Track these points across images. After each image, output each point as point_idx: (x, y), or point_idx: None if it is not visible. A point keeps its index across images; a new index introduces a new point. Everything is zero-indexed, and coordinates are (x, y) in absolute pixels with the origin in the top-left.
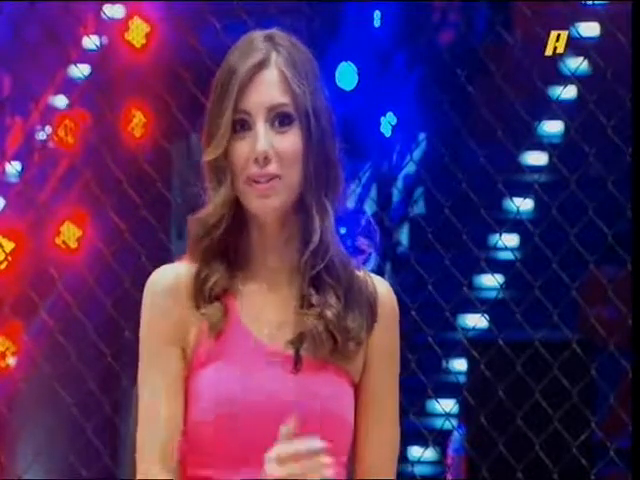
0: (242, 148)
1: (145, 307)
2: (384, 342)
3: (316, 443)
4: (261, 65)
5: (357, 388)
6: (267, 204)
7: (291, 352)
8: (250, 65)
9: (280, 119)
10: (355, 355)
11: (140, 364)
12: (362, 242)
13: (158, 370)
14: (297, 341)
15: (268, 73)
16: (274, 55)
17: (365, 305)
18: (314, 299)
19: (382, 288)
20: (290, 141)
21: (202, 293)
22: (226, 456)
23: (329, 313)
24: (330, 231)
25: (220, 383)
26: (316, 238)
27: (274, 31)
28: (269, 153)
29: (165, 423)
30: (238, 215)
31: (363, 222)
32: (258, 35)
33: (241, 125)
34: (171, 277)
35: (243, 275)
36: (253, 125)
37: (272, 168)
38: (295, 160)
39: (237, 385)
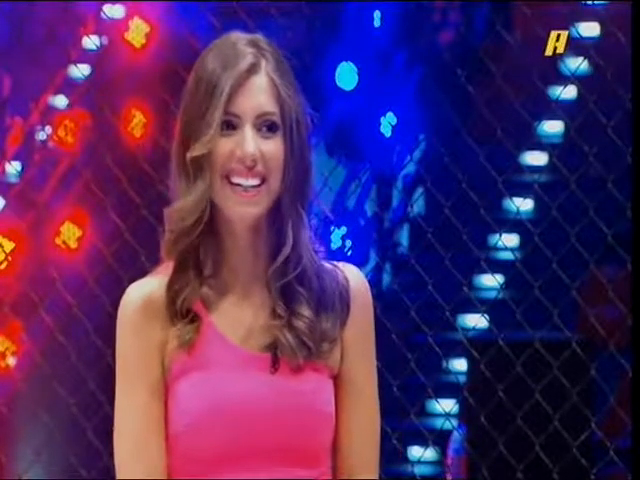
0: (225, 145)
1: (119, 326)
2: (359, 331)
3: None
4: (251, 70)
5: (336, 377)
6: (249, 212)
7: (266, 353)
8: (242, 69)
9: (267, 127)
10: (330, 351)
11: (118, 383)
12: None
13: (138, 391)
14: (271, 345)
15: (258, 79)
16: (263, 61)
17: (337, 300)
18: (281, 309)
19: (353, 276)
20: (275, 148)
21: (174, 307)
22: (210, 461)
23: (300, 324)
24: (303, 240)
25: (200, 390)
26: (287, 249)
27: (257, 36)
28: (257, 156)
29: (147, 449)
30: (210, 219)
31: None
32: (241, 38)
33: (226, 125)
34: (144, 295)
35: (215, 281)
36: (239, 127)
37: (258, 168)
38: (278, 166)
39: (216, 391)
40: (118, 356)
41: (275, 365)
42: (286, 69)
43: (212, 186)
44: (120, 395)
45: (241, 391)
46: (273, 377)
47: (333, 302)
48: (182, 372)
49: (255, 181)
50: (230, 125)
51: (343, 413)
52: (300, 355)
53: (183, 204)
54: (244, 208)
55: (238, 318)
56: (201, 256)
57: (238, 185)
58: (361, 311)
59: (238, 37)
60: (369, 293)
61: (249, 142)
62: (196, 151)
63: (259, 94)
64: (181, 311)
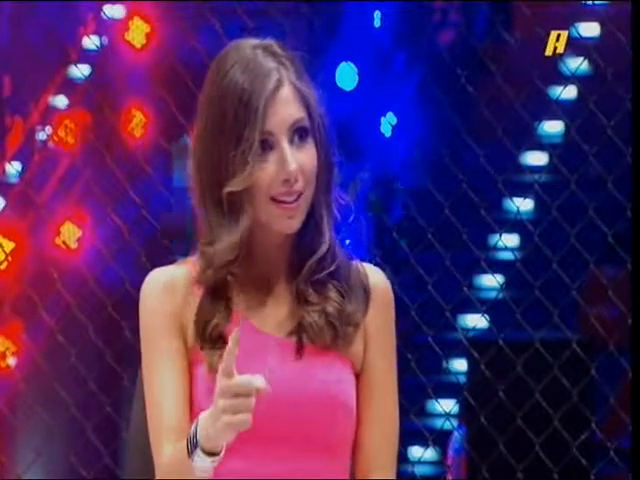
0: (267, 170)
1: (142, 303)
2: (379, 326)
3: (257, 382)
4: (278, 85)
5: (357, 375)
6: (293, 225)
7: (291, 340)
8: (270, 88)
9: (299, 134)
10: (354, 338)
11: (143, 360)
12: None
13: (162, 364)
14: (297, 331)
15: (283, 91)
16: (283, 71)
17: (360, 289)
18: (315, 298)
19: (374, 273)
20: (310, 156)
21: (205, 334)
22: (232, 447)
23: (330, 308)
24: (333, 235)
25: None
26: (325, 247)
27: (270, 42)
28: (298, 172)
29: (176, 410)
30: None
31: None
32: (257, 47)
33: (261, 146)
34: (166, 276)
35: (241, 272)
36: (275, 145)
37: (298, 186)
38: (313, 175)
39: (240, 374)
40: (142, 330)
41: (300, 351)
42: (302, 70)
43: (254, 213)
44: (146, 363)
45: (265, 376)
46: (297, 363)
47: (356, 290)
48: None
49: (295, 196)
50: (265, 147)
51: (362, 410)
52: (327, 333)
53: (224, 244)
54: (288, 222)
55: (265, 306)
56: (229, 276)
57: (282, 202)
58: (381, 306)
59: (253, 47)
60: (390, 291)
61: (290, 160)
62: (236, 186)
63: (287, 105)
64: (211, 337)
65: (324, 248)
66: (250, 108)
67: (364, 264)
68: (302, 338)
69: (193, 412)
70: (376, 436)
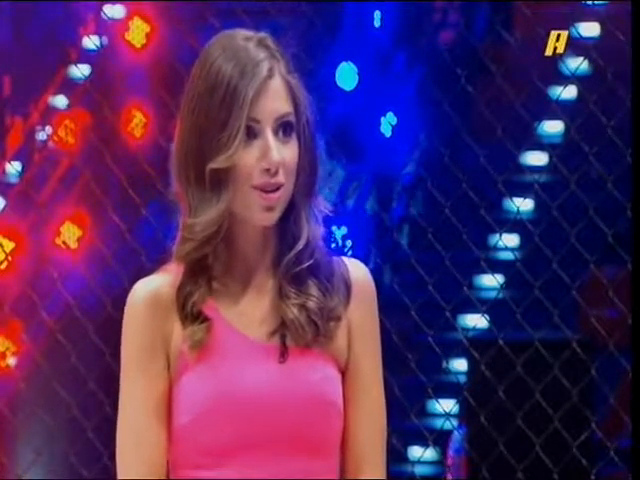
0: (249, 156)
1: (125, 321)
2: (362, 320)
3: None
4: (269, 75)
5: (343, 373)
6: (272, 216)
7: (275, 343)
8: (262, 76)
9: (284, 129)
10: (336, 334)
11: (122, 376)
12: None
13: (140, 382)
14: (279, 331)
15: (274, 82)
16: (276, 64)
17: (341, 284)
18: (294, 293)
19: (355, 267)
20: (293, 151)
21: (184, 309)
22: (218, 452)
23: (311, 304)
24: (315, 232)
25: (207, 380)
26: (302, 242)
27: (263, 35)
28: (280, 164)
29: (148, 438)
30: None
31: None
32: (249, 39)
33: (246, 132)
34: (150, 289)
35: (222, 272)
36: (260, 133)
37: (279, 177)
38: (293, 171)
39: (223, 380)
40: (123, 350)
41: (284, 354)
42: (292, 67)
43: (234, 196)
44: (123, 387)
45: (249, 380)
46: (282, 366)
47: (337, 285)
48: (190, 364)
49: (275, 186)
50: (250, 133)
51: (350, 408)
52: (308, 331)
53: (206, 217)
54: (267, 213)
55: (246, 306)
56: (210, 259)
57: (262, 190)
58: (363, 300)
59: (245, 37)
60: (371, 284)
61: (274, 150)
62: (220, 164)
63: (276, 97)
64: (192, 314)
65: (301, 244)
66: (238, 94)
67: (345, 258)
68: (285, 340)
69: (174, 418)
70: (365, 434)
